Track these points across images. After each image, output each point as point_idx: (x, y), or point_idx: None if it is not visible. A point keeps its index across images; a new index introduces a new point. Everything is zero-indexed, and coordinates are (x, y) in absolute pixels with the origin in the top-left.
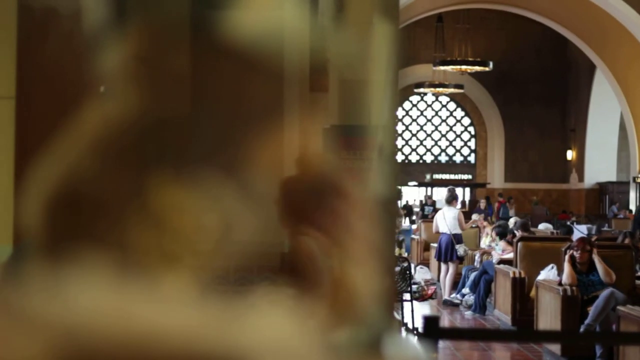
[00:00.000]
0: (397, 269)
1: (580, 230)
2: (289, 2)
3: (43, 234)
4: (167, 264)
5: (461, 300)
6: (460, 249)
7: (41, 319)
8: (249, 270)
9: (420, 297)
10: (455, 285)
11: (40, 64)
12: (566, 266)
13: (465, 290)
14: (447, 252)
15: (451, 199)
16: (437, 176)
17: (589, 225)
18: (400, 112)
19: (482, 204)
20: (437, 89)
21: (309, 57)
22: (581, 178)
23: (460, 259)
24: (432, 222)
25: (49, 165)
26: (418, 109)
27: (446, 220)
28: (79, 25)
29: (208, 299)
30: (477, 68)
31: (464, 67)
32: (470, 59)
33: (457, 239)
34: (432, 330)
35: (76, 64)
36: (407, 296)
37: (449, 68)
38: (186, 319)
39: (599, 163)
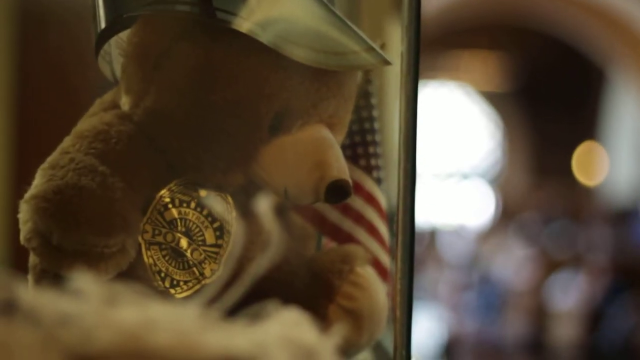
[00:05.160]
0: None
1: None
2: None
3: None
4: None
5: None
6: None
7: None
8: (260, 283)
9: None
10: None
11: (42, 64)
12: None
13: None
14: None
15: None
16: (451, 184)
17: None
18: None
19: None
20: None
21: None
22: (602, 199)
23: None
24: None
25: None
26: (435, 115)
27: None
28: (83, 23)
29: (214, 311)
30: (493, 86)
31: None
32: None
33: None
34: None
35: (80, 65)
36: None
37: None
38: (189, 328)
39: (622, 183)
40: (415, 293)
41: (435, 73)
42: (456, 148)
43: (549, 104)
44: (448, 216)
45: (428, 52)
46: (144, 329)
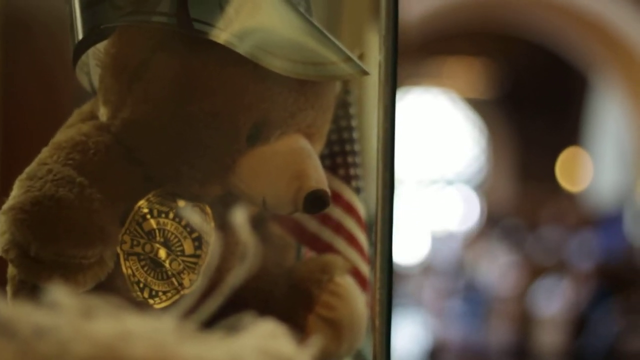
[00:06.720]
0: None
1: None
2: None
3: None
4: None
5: None
6: None
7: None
8: (239, 293)
9: None
10: None
11: (25, 72)
12: None
13: None
14: None
15: None
16: (436, 191)
17: None
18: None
19: None
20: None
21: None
22: (586, 205)
23: None
24: None
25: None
26: (416, 122)
27: None
28: (65, 32)
29: (191, 323)
30: (477, 93)
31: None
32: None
33: None
34: None
35: (64, 73)
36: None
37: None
38: (165, 340)
39: (607, 189)
40: (400, 299)
41: (419, 79)
42: (440, 154)
43: (533, 111)
44: (433, 222)
45: (412, 58)
46: (120, 341)
